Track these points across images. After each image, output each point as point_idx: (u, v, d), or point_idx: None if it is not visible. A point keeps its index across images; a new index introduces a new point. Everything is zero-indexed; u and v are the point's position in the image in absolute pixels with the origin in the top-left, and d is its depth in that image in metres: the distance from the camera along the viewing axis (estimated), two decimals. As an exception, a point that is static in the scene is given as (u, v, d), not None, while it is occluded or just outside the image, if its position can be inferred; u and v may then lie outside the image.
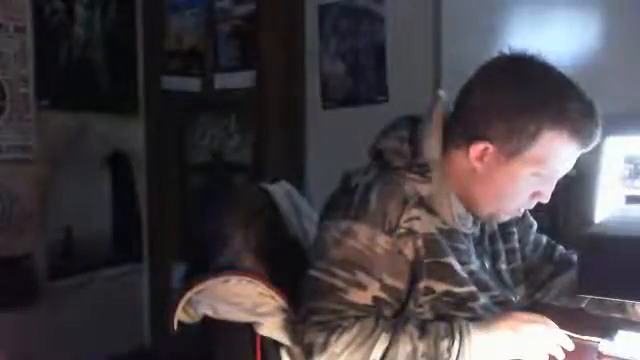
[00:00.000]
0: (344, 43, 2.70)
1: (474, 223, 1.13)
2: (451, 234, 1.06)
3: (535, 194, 1.07)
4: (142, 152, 3.16)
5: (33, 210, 2.57)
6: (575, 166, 1.06)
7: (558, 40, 2.25)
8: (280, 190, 1.36)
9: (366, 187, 1.05)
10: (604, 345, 1.04)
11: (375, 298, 1.00)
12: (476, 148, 1.03)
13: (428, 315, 1.03)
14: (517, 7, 2.33)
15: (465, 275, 1.05)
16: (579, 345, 1.05)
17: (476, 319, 1.03)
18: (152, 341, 3.07)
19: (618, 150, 2.19)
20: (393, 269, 1.01)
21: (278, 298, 1.09)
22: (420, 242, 1.02)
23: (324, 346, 0.96)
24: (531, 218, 1.34)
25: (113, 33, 3.04)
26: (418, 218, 1.02)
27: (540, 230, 1.40)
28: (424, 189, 1.04)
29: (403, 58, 2.51)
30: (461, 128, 1.07)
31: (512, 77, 1.04)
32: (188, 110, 3.07)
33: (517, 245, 1.26)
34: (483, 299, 1.07)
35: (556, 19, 2.26)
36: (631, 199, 2.10)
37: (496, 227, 1.22)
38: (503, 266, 1.20)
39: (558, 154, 1.02)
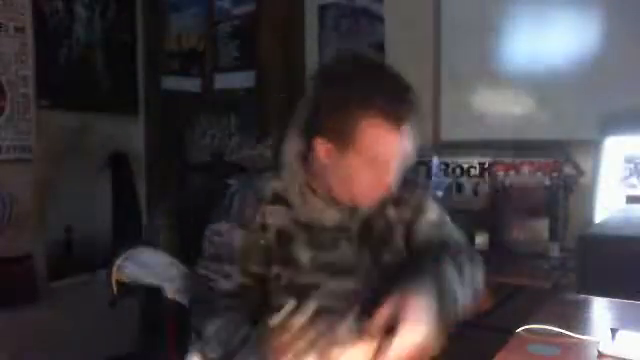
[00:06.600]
0: (344, 43, 2.70)
1: (351, 217, 1.21)
2: (306, 226, 1.19)
3: (381, 180, 1.14)
4: (142, 152, 3.16)
5: (33, 210, 2.57)
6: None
7: (558, 40, 2.26)
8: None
9: (232, 192, 1.23)
10: (604, 345, 1.04)
11: (240, 285, 1.16)
12: (319, 147, 1.14)
13: (284, 300, 1.13)
14: (517, 7, 2.33)
15: (309, 265, 1.17)
16: (579, 345, 1.05)
17: (325, 308, 1.11)
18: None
19: (618, 150, 2.20)
20: (252, 258, 1.17)
21: (180, 266, 1.30)
22: (272, 234, 1.17)
23: (200, 333, 1.14)
24: (432, 216, 1.31)
25: (113, 33, 3.05)
26: (272, 213, 1.17)
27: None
28: (278, 186, 1.19)
29: (403, 58, 2.51)
30: (310, 130, 1.17)
31: (328, 78, 1.16)
32: (188, 110, 3.07)
33: (400, 242, 1.29)
34: (331, 286, 1.18)
35: (556, 19, 2.26)
36: (631, 199, 2.11)
37: (383, 225, 1.27)
38: (387, 257, 1.26)
39: (380, 140, 1.10)
